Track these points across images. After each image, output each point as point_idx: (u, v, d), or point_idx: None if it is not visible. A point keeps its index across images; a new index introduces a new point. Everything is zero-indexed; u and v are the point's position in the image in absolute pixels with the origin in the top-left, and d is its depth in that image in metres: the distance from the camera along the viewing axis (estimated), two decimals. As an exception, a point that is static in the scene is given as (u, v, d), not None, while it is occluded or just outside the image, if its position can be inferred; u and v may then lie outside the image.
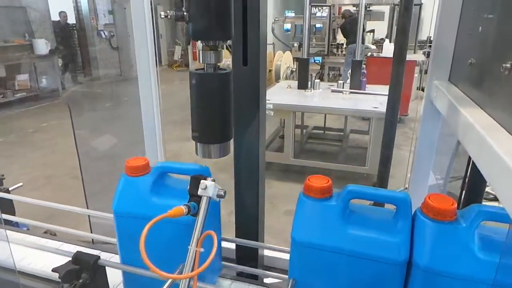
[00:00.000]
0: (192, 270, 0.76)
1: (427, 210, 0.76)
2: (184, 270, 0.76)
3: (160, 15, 0.77)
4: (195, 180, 0.81)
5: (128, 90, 9.93)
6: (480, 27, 0.93)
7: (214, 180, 0.80)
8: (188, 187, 0.82)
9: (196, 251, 0.76)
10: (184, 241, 0.78)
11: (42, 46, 8.10)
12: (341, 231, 0.77)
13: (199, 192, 0.78)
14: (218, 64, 0.82)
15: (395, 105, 1.53)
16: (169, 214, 0.73)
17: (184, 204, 0.78)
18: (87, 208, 1.84)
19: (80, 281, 0.99)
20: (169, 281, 0.86)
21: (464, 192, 1.10)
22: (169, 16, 0.76)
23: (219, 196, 0.80)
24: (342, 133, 5.72)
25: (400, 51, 1.40)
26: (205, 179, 0.80)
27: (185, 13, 0.77)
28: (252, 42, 1.02)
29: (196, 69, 0.84)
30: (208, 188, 0.78)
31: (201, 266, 0.73)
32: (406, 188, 2.68)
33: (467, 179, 1.09)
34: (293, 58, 7.39)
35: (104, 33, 10.60)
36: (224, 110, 0.84)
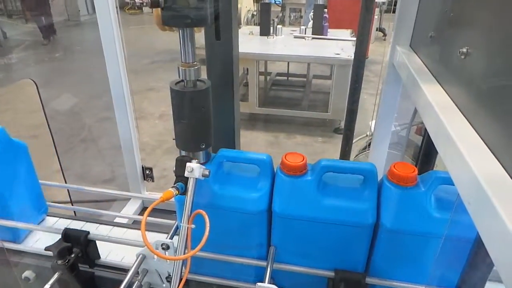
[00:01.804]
0: (186, 245, 0.84)
1: (392, 177, 0.86)
2: (178, 245, 0.84)
3: (135, 2, 0.76)
4: (181, 163, 0.85)
5: (80, 37, 9.27)
6: (442, 2, 0.98)
7: (198, 162, 0.85)
8: (174, 168, 0.87)
9: (188, 227, 0.83)
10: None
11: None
12: (316, 203, 0.87)
13: (186, 174, 0.84)
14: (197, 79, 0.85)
15: (360, 64, 1.59)
16: (162, 199, 0.79)
17: (172, 187, 0.83)
18: (65, 182, 1.84)
19: (72, 255, 1.05)
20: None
21: (420, 157, 1.23)
22: (144, 3, 0.76)
23: (204, 175, 0.86)
24: (305, 79, 5.78)
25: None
26: (189, 161, 0.85)
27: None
28: (224, 17, 1.02)
29: (176, 83, 0.86)
30: (194, 170, 0.83)
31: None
32: (367, 135, 2.85)
33: (423, 146, 1.21)
34: (253, -1, 7.12)
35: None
36: (205, 121, 0.89)
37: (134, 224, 1.62)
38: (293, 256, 0.97)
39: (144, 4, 0.76)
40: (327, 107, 4.53)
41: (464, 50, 0.76)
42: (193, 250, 0.81)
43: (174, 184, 0.86)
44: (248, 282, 1.03)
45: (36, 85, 1.58)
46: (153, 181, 1.85)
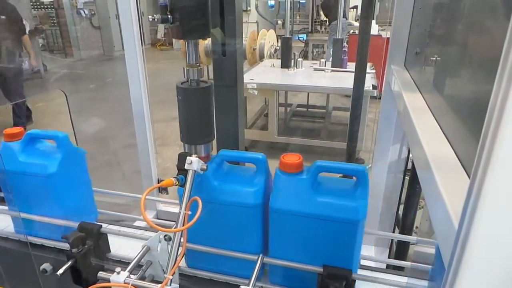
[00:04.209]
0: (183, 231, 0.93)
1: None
2: (177, 222, 0.93)
3: (149, 18, 0.90)
4: (182, 157, 0.96)
5: (112, 70, 9.87)
6: (424, 23, 1.09)
7: (197, 156, 0.96)
8: (177, 162, 0.98)
9: (185, 213, 0.92)
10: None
11: (22, 26, 7.92)
12: (309, 199, 0.96)
13: (186, 166, 0.94)
14: (200, 79, 0.98)
15: (360, 85, 1.69)
16: (162, 184, 0.89)
17: (174, 177, 0.94)
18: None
19: (86, 246, 1.16)
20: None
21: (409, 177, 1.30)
22: (156, 19, 0.90)
23: (202, 169, 0.96)
24: (325, 111, 5.89)
25: (363, 34, 1.55)
26: (190, 155, 0.96)
27: (169, 16, 0.91)
28: (229, 36, 1.16)
29: (182, 83, 0.99)
30: (193, 163, 0.93)
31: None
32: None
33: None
34: (277, 36, 7.43)
35: (84, 11, 10.37)
36: (206, 117, 1.01)
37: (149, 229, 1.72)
38: (286, 251, 1.04)
39: (155, 20, 0.90)
40: (345, 137, 4.59)
41: (434, 58, 0.85)
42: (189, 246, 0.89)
43: (175, 176, 0.96)
44: (242, 277, 1.10)
45: (66, 96, 1.76)
46: (167, 193, 1.97)
